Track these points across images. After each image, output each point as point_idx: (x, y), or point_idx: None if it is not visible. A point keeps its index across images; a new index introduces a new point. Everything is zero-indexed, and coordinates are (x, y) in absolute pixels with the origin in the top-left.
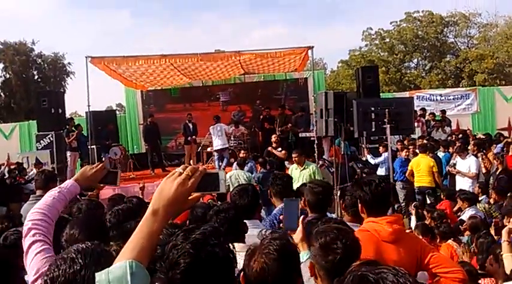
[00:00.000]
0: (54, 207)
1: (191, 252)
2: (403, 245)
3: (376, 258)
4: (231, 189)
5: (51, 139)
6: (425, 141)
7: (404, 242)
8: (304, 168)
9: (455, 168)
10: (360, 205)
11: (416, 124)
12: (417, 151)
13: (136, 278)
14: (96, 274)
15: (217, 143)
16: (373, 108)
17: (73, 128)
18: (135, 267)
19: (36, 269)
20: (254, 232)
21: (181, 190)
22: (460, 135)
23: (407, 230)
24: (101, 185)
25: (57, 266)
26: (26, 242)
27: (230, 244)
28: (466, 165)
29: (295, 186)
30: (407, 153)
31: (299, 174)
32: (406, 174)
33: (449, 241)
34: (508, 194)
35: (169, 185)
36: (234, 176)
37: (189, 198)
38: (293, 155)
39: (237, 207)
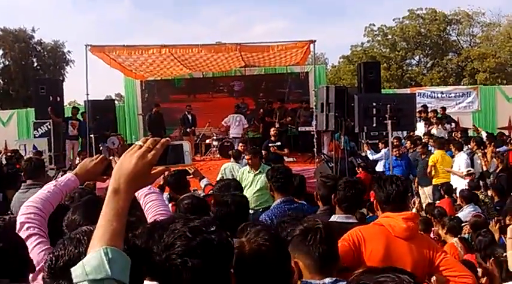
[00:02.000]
0: (47, 201)
1: (188, 235)
2: (415, 243)
3: (386, 253)
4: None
5: (49, 127)
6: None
7: (417, 241)
8: (260, 172)
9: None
10: (374, 202)
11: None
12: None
13: (115, 263)
14: (71, 269)
15: (234, 131)
16: (374, 104)
17: (77, 117)
18: (111, 252)
19: (36, 263)
20: None
21: (141, 164)
22: (459, 133)
23: None
24: (104, 177)
25: (64, 245)
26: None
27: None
28: (456, 163)
29: (248, 192)
30: (397, 151)
31: (252, 179)
32: (428, 170)
33: (455, 240)
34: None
35: (128, 159)
36: (228, 168)
37: (152, 172)
38: (246, 157)
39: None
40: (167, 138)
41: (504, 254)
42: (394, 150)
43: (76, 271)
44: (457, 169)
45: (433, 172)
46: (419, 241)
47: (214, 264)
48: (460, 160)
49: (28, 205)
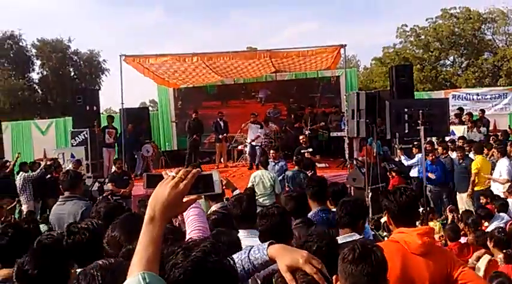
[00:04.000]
0: None
1: (191, 271)
2: (432, 258)
3: (403, 271)
4: (255, 189)
5: (86, 136)
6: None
7: (434, 256)
8: None
9: None
10: (387, 216)
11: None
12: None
13: None
14: None
15: (252, 138)
16: (406, 110)
17: (113, 125)
18: (148, 277)
19: None
20: (250, 242)
21: (174, 193)
22: (499, 136)
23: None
24: None
25: (77, 280)
26: None
27: (230, 260)
28: (497, 169)
29: None
30: (433, 156)
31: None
32: (472, 179)
33: (500, 257)
34: None
35: (163, 189)
36: (258, 176)
37: (184, 200)
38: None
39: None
40: (198, 169)
41: None
42: (430, 155)
43: None
44: (498, 175)
45: (476, 180)
46: (437, 255)
47: None
48: (502, 167)
49: None
